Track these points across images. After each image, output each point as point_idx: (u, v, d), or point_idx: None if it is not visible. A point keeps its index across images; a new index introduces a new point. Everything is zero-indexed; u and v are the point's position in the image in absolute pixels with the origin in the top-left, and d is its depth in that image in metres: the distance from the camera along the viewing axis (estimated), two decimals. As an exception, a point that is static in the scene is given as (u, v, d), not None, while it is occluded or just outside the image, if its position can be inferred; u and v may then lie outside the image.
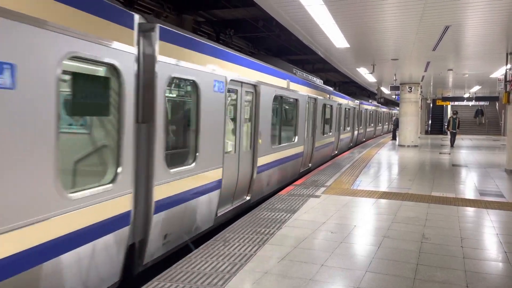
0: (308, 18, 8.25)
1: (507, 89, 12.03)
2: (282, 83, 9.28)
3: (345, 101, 18.49)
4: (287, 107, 10.45)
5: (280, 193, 8.33)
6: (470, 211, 7.24)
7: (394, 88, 21.22)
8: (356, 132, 22.31)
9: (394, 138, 25.56)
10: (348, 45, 11.04)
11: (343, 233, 5.74)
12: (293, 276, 4.22)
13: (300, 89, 10.79)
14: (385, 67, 15.54)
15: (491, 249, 5.28)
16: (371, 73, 16.48)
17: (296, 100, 10.50)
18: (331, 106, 15.32)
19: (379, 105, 32.20)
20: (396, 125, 25.27)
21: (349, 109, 19.49)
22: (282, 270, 4.38)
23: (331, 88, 16.24)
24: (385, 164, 13.59)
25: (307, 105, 11.53)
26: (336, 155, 16.86)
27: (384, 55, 12.91)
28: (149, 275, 4.71)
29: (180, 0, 9.77)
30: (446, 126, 21.53)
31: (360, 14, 7.98)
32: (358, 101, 22.94)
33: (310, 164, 12.56)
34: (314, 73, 20.05)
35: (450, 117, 20.40)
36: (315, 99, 12.64)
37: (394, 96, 30.19)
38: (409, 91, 21.31)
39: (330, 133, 15.31)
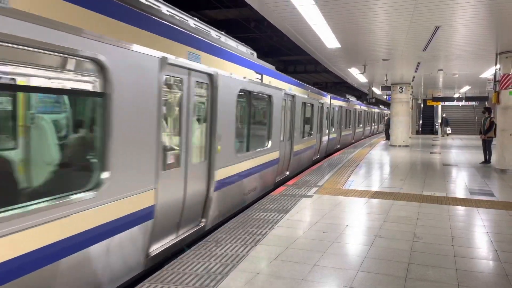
0: (299, 18, 8.26)
1: (497, 89, 12.15)
2: (306, 92, 12.56)
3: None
4: (308, 108, 13.52)
5: (272, 193, 8.33)
6: (461, 210, 7.29)
7: (385, 88, 21.37)
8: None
9: (387, 138, 25.63)
10: (339, 46, 11.07)
11: (335, 232, 5.75)
12: (286, 276, 4.21)
13: (316, 97, 14.40)
14: (376, 67, 15.63)
15: (482, 248, 5.32)
16: (362, 73, 16.56)
17: (312, 104, 13.74)
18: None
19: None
20: (388, 125, 25.39)
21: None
22: (275, 270, 4.37)
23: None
24: (377, 164, 13.65)
25: (318, 108, 14.75)
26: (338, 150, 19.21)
27: (375, 56, 12.98)
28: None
29: (170, 1, 9.71)
30: (480, 132, 14.23)
31: (351, 15, 8.01)
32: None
33: (318, 156, 15.70)
34: (306, 73, 20.48)
35: (484, 118, 13.92)
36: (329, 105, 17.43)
37: (385, 96, 30.37)
38: (400, 91, 21.43)
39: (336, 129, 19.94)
